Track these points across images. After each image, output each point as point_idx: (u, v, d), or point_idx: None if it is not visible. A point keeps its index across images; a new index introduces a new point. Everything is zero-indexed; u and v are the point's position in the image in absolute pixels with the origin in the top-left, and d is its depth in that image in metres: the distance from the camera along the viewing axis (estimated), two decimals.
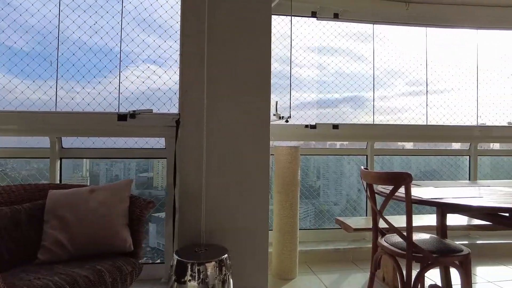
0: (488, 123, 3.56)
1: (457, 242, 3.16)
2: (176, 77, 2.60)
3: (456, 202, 1.63)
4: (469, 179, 3.56)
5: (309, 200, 3.49)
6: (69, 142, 2.64)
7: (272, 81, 2.37)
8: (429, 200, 1.71)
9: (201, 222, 2.29)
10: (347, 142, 3.51)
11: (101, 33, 2.68)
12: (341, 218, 2.80)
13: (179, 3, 2.49)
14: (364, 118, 3.37)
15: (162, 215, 2.74)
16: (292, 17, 3.20)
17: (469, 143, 3.56)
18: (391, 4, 3.23)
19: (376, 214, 2.06)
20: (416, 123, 3.44)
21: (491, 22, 3.41)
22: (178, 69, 2.48)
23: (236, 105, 2.31)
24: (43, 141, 2.58)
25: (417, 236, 2.02)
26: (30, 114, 2.47)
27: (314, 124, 3.24)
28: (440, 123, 3.45)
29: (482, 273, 2.85)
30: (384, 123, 3.39)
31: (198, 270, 1.86)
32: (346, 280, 2.76)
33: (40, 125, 2.48)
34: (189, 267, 1.87)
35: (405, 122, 3.41)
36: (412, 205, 1.73)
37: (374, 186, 2.12)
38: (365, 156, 3.41)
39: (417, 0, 3.20)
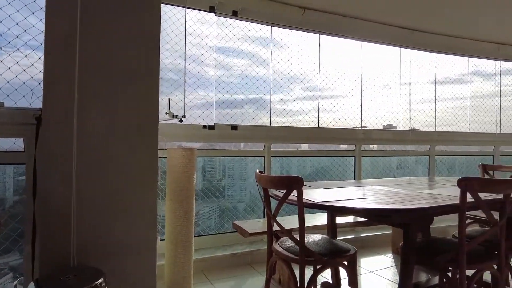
0: (369, 127, 3.94)
1: (345, 237, 3.45)
2: (40, 65, 2.10)
3: (343, 205, 1.65)
4: (355, 178, 3.88)
5: (213, 199, 3.33)
6: None
7: (168, 76, 2.10)
8: (320, 204, 1.70)
9: (71, 241, 1.88)
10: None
11: None
12: (237, 222, 2.69)
13: None
14: (263, 120, 3.36)
15: None
16: (194, 12, 2.99)
17: (354, 145, 3.89)
18: (288, 8, 3.28)
19: (271, 218, 2.00)
20: (310, 126, 3.57)
21: (371, 36, 3.78)
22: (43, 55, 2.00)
23: (116, 100, 1.96)
24: None
25: (309, 238, 2.02)
26: None
27: (213, 124, 3.07)
28: (330, 126, 3.67)
29: (365, 264, 3.10)
30: (281, 125, 3.43)
31: None
32: (243, 286, 2.67)
33: None
34: None
35: (300, 125, 3.51)
36: (304, 209, 1.70)
37: (269, 189, 2.06)
38: (263, 158, 3.40)
39: (312, 7, 3.32)
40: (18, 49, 2.21)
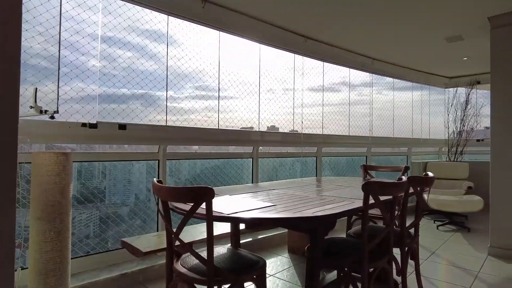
0: (262, 129, 3.97)
1: (243, 241, 3.38)
2: None
3: (258, 217, 1.51)
4: (252, 181, 3.87)
5: (92, 204, 2.78)
6: None
7: (41, 65, 1.57)
8: (233, 217, 1.52)
9: None
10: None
11: None
12: (127, 240, 2.29)
13: None
14: (149, 117, 2.99)
15: None
16: None
17: (252, 147, 3.87)
18: None
19: (171, 235, 1.73)
20: (203, 126, 3.37)
21: (269, 39, 3.83)
22: None
23: None
24: None
25: (214, 252, 1.83)
26: None
27: (95, 122, 2.57)
28: (224, 127, 3.52)
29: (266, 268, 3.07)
30: (178, 125, 3.13)
31: None
32: None
33: None
34: None
35: (192, 124, 3.25)
36: (213, 223, 1.50)
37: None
38: (157, 161, 3.04)
39: (213, 0, 3.13)
40: None
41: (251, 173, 3.90)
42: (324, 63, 4.59)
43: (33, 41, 2.30)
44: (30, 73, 2.30)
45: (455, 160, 5.96)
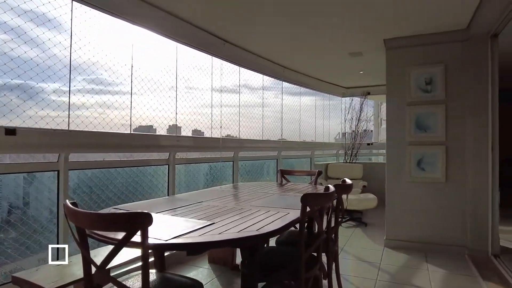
0: (158, 127, 3.72)
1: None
2: None
3: (205, 241, 1.35)
4: (168, 191, 3.58)
5: None
6: None
7: None
8: (175, 244, 1.32)
9: None
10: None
11: None
12: (21, 275, 1.82)
13: None
14: (28, 113, 2.45)
15: None
16: None
17: (169, 153, 3.59)
18: None
19: (90, 266, 1.43)
20: (108, 125, 2.95)
21: (187, 38, 3.61)
22: None
23: None
24: None
25: (139, 279, 1.57)
26: None
27: None
28: (119, 124, 3.10)
29: None
30: (83, 129, 2.67)
31: None
32: None
33: None
34: None
35: (83, 121, 2.77)
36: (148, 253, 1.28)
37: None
38: (57, 172, 2.54)
39: None
40: None
41: (166, 181, 3.61)
42: (241, 68, 4.58)
43: None
44: None
45: (351, 161, 6.70)
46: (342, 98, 7.31)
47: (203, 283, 2.79)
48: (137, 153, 3.36)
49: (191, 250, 1.38)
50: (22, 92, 2.37)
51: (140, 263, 1.26)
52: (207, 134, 4.14)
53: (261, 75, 5.03)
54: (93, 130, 2.74)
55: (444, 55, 3.73)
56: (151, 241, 1.30)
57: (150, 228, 1.23)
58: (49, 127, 2.43)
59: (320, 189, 3.13)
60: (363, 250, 3.82)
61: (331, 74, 5.99)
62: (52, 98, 2.51)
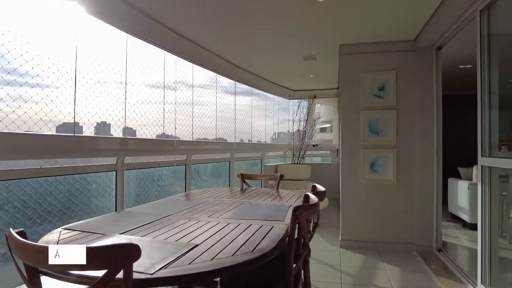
0: (83, 123, 3.34)
1: None
2: None
3: (200, 271, 1.13)
4: (116, 198, 3.18)
5: None
6: None
7: None
8: (167, 278, 1.08)
9: None
10: None
11: None
12: None
13: None
14: None
15: None
16: None
17: (117, 157, 3.19)
18: None
19: None
20: (23, 123, 2.49)
21: (139, 30, 3.24)
22: None
23: None
24: None
25: None
26: None
27: None
28: (36, 119, 2.57)
29: None
30: (15, 131, 2.20)
31: None
32: None
33: None
34: None
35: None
36: None
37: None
38: None
39: None
40: None
41: (114, 189, 3.20)
42: (194, 65, 4.30)
43: None
44: None
45: (298, 162, 6.81)
46: (289, 100, 7.41)
47: None
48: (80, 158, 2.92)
49: (186, 283, 1.15)
50: None
51: None
52: (139, 133, 3.68)
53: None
54: (27, 132, 2.27)
55: (395, 63, 3.94)
56: (136, 276, 1.05)
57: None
58: None
59: (286, 194, 3.05)
60: (321, 252, 3.85)
61: (282, 76, 6.00)
62: None
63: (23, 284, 1.19)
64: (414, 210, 3.87)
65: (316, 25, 3.49)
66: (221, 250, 1.37)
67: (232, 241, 1.50)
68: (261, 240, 1.51)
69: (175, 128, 4.06)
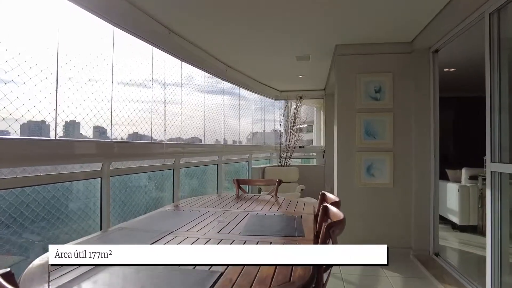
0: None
1: None
2: None
3: None
4: (101, 208, 2.88)
5: None
6: None
7: None
8: None
9: None
10: None
11: None
12: None
13: None
14: None
15: None
16: None
17: (102, 163, 2.89)
18: None
19: None
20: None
21: (127, 23, 2.96)
22: None
23: None
24: None
25: None
26: None
27: None
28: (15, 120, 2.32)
29: None
30: None
31: None
32: None
33: None
34: None
35: None
36: None
37: None
38: None
39: None
40: None
41: (99, 199, 2.89)
42: (183, 62, 4.04)
43: None
44: None
45: (285, 164, 6.67)
46: (275, 101, 7.27)
47: None
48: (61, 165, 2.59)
49: None
50: None
51: None
52: (109, 132, 3.30)
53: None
54: (4, 137, 1.95)
55: (392, 65, 3.87)
56: None
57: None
58: None
59: (287, 201, 2.87)
60: None
61: (271, 76, 5.84)
62: None
63: None
64: (410, 214, 3.82)
65: (313, 24, 3.35)
66: (254, 279, 1.17)
67: (260, 267, 1.30)
68: (293, 265, 1.32)
69: (151, 127, 3.68)
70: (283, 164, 6.67)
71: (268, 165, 6.76)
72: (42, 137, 2.40)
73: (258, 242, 1.65)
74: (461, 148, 6.21)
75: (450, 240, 4.41)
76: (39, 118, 2.35)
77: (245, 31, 3.56)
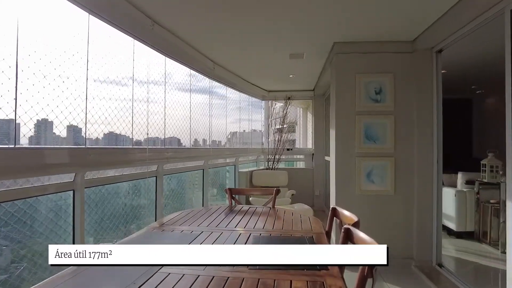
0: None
1: None
2: None
3: None
4: (74, 226, 2.47)
5: None
6: None
7: None
8: None
9: None
10: None
11: None
12: None
13: None
14: None
15: None
16: None
17: (75, 173, 2.48)
18: None
19: None
20: None
21: (104, 11, 2.56)
22: None
23: None
24: None
25: None
26: None
27: None
28: None
29: None
30: None
31: None
32: None
33: None
34: None
35: None
36: None
37: None
38: None
39: None
40: None
41: (71, 215, 2.48)
42: (167, 58, 3.65)
43: None
44: None
45: (273, 168, 6.38)
46: (262, 101, 6.97)
47: None
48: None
49: None
50: None
51: None
52: (83, 131, 2.88)
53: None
54: None
55: (392, 65, 3.65)
56: None
57: None
58: None
59: (289, 216, 2.56)
60: None
61: (260, 75, 5.52)
62: None
63: None
64: (412, 223, 3.61)
65: (311, 18, 3.06)
66: None
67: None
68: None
69: (132, 127, 3.26)
70: (271, 167, 6.38)
71: (255, 168, 6.44)
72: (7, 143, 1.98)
73: (275, 280, 1.33)
74: (453, 151, 6.16)
75: (448, 248, 4.25)
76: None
77: (237, 24, 3.22)
